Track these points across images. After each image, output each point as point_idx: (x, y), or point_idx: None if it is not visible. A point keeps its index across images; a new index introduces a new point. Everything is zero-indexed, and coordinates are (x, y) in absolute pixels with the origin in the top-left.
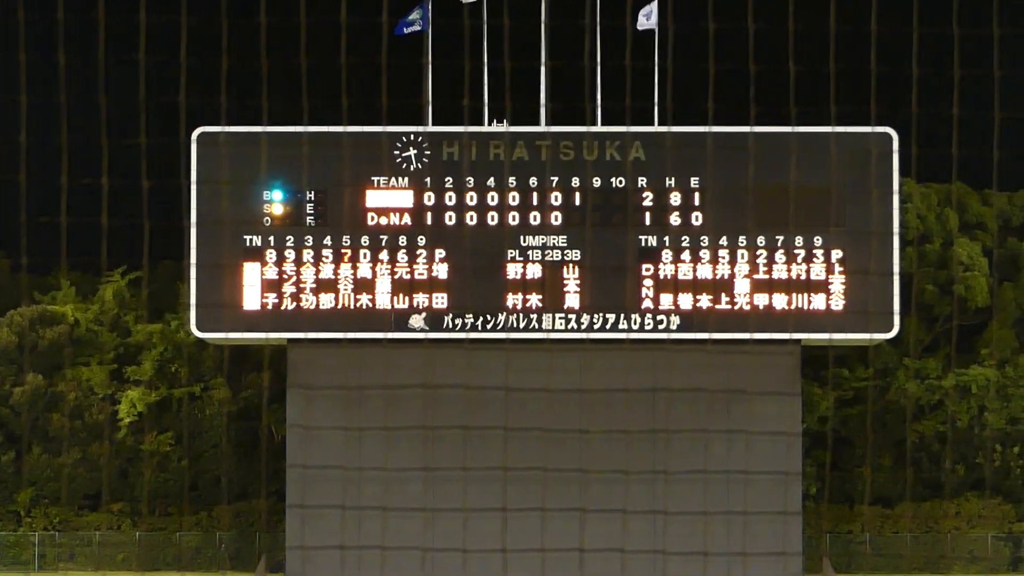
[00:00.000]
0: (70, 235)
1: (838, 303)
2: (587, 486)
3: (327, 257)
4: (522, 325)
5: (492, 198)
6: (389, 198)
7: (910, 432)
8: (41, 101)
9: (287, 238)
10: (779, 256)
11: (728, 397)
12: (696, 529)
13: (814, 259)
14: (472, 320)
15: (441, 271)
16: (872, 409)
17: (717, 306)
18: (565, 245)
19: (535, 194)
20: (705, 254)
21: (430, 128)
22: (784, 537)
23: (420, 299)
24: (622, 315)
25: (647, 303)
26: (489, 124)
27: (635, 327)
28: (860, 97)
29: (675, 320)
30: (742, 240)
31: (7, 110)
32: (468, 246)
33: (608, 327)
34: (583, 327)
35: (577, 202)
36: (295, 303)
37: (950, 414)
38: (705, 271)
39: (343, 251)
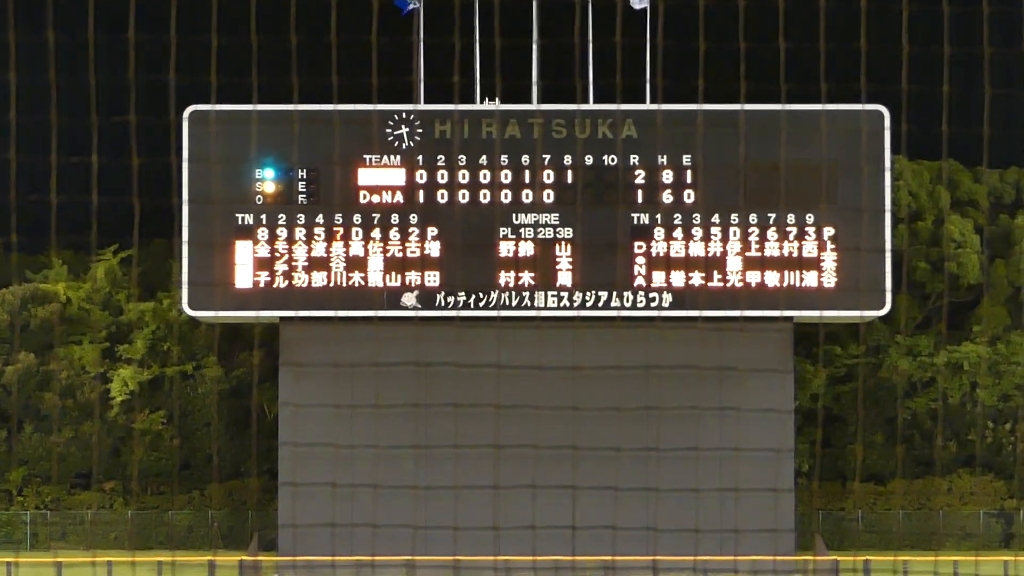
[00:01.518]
0: (61, 213)
1: (830, 280)
2: (579, 463)
3: (319, 235)
4: (514, 303)
5: (484, 176)
6: (381, 176)
7: (902, 409)
8: (31, 79)
9: (279, 216)
10: (771, 233)
11: (720, 374)
12: (688, 506)
13: (806, 236)
14: (464, 298)
15: (433, 249)
16: (864, 386)
17: (709, 283)
18: (557, 223)
19: (527, 172)
20: (697, 232)
21: (422, 106)
22: (776, 514)
23: (412, 277)
24: (614, 293)
25: (639, 280)
26: (481, 102)
27: (627, 304)
28: (851, 74)
29: (667, 297)
30: (734, 218)
31: None
32: (460, 224)
33: (600, 305)
34: (575, 305)
35: (569, 180)
36: (287, 281)
37: (942, 391)
38: (697, 249)
39: (335, 229)
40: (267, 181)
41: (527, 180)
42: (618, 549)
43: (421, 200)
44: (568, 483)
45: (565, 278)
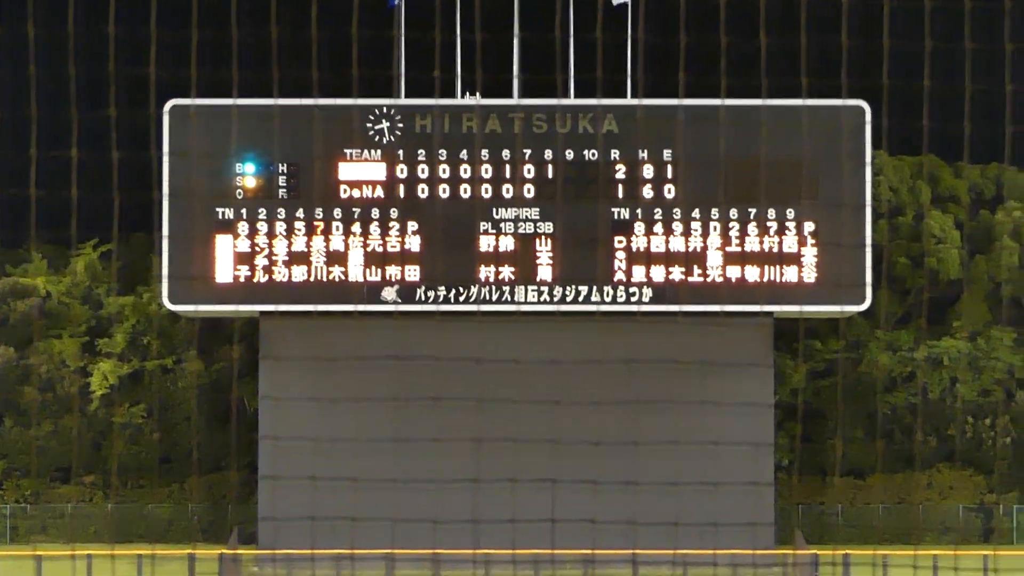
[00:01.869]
0: (41, 208)
1: (810, 275)
2: (559, 456)
3: (299, 230)
4: (494, 297)
5: (464, 171)
6: (361, 171)
7: (882, 404)
8: (10, 73)
9: (259, 211)
10: (751, 228)
11: (700, 368)
12: (668, 499)
13: (786, 231)
14: (444, 292)
15: (413, 243)
16: (844, 381)
17: (690, 278)
18: (538, 217)
19: (508, 167)
20: (678, 226)
21: (402, 101)
22: (756, 508)
23: (392, 271)
24: (594, 287)
25: (620, 275)
26: (462, 96)
27: (607, 299)
28: (832, 70)
29: (647, 292)
30: (714, 212)
31: None
32: (440, 218)
33: (580, 299)
34: (555, 299)
35: (550, 175)
36: (267, 275)
37: (922, 386)
38: (678, 243)
39: (315, 223)
40: (247, 175)
41: (508, 175)
42: (598, 542)
43: (401, 195)
44: (548, 476)
45: (545, 273)
